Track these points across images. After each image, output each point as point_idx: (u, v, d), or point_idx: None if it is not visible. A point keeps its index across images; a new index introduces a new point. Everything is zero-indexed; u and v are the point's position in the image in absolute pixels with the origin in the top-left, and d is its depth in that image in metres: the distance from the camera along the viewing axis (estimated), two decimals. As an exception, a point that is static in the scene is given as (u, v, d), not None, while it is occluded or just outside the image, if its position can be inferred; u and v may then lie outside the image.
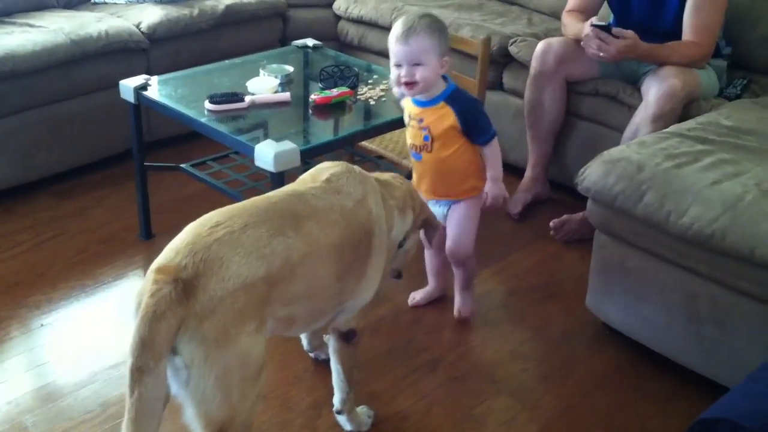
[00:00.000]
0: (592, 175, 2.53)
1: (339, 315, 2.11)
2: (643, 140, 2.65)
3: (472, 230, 2.61)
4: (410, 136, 2.55)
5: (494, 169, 2.51)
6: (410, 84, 2.39)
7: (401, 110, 2.62)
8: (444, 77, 2.46)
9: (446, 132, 2.45)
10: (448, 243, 2.61)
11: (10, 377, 2.46)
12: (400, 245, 2.24)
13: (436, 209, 2.56)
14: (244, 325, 1.72)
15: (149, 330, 1.61)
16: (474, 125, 2.46)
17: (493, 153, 2.50)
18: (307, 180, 2.05)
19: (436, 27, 2.39)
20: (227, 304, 1.69)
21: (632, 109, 3.11)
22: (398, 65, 2.40)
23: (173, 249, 1.73)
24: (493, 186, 2.52)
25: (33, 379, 2.46)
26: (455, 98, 2.44)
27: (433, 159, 2.50)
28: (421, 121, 2.47)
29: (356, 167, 2.11)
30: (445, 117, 2.44)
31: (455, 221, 2.59)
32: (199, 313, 1.66)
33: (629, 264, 2.52)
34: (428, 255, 2.76)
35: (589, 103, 3.33)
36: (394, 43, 2.39)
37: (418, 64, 2.37)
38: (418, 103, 2.48)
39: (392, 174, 2.32)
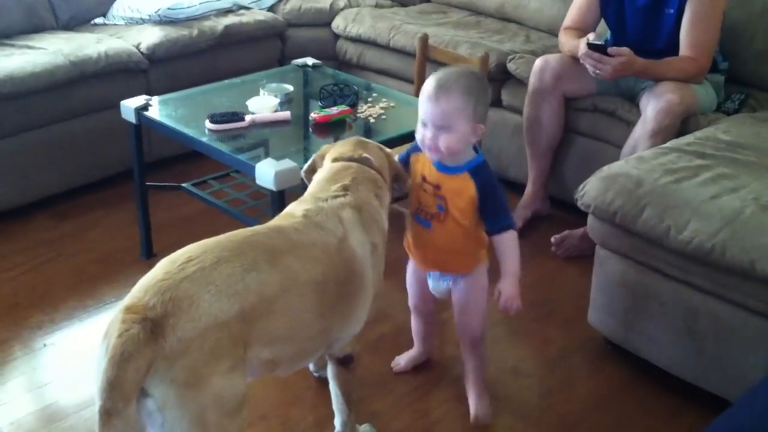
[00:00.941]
0: (591, 190, 2.54)
1: (333, 344, 2.07)
2: (641, 156, 2.66)
3: (482, 300, 2.32)
4: (421, 200, 2.23)
5: (510, 263, 2.18)
6: (434, 149, 2.11)
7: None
8: (475, 147, 2.19)
9: (464, 206, 2.16)
10: (457, 316, 2.36)
11: (13, 398, 2.46)
12: None
13: (440, 284, 2.34)
14: (216, 365, 1.66)
15: (117, 371, 1.56)
16: (492, 206, 2.16)
17: (508, 244, 2.18)
18: (289, 214, 2.00)
19: (475, 88, 2.09)
20: (197, 344, 1.63)
21: (631, 124, 3.13)
22: (424, 124, 2.11)
23: (142, 287, 1.68)
24: (507, 284, 2.18)
25: (35, 399, 2.46)
26: (479, 171, 2.15)
27: (445, 232, 2.21)
28: (437, 187, 2.18)
29: (325, 198, 2.02)
30: (466, 190, 2.14)
31: (462, 293, 2.32)
32: (169, 355, 1.61)
33: (630, 279, 2.52)
34: (414, 319, 2.55)
35: (588, 119, 3.35)
36: (424, 99, 2.09)
37: (445, 128, 2.07)
38: (439, 167, 2.17)
39: (346, 148, 2.17)
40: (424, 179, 2.20)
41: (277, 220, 2.00)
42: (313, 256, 1.88)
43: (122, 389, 1.56)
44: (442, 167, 2.16)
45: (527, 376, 2.61)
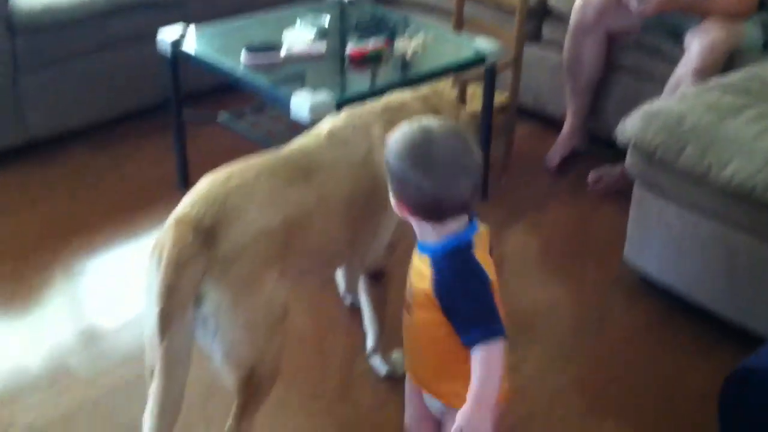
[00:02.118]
0: (632, 126, 2.50)
1: (364, 258, 2.12)
2: (684, 93, 2.61)
3: None
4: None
5: (477, 384, 1.50)
6: None
7: None
8: (470, 222, 1.58)
9: (423, 297, 1.57)
10: None
11: (54, 320, 2.51)
12: None
13: (433, 402, 1.71)
14: (267, 271, 1.73)
15: (175, 277, 1.63)
16: (452, 307, 1.53)
17: (474, 364, 1.50)
18: (311, 136, 2.04)
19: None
20: (250, 250, 1.70)
21: (674, 62, 3.06)
22: None
23: (189, 202, 1.76)
24: (468, 412, 1.49)
25: (75, 321, 2.51)
26: (442, 259, 1.54)
27: (411, 326, 1.66)
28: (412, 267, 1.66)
29: (360, 114, 2.07)
30: (424, 278, 1.56)
31: None
32: (223, 260, 1.67)
33: (668, 217, 2.49)
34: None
35: (631, 56, 3.28)
36: None
37: None
38: (419, 246, 1.62)
39: (419, 92, 2.21)
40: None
41: (302, 141, 2.03)
42: (340, 173, 1.93)
43: (179, 293, 1.63)
44: (419, 245, 1.62)
45: (562, 311, 2.61)
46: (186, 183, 3.19)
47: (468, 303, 1.51)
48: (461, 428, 1.49)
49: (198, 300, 1.68)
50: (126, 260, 2.81)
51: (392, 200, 1.55)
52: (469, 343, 1.50)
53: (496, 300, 1.52)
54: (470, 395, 1.49)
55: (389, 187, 1.55)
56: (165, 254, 1.65)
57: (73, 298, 2.63)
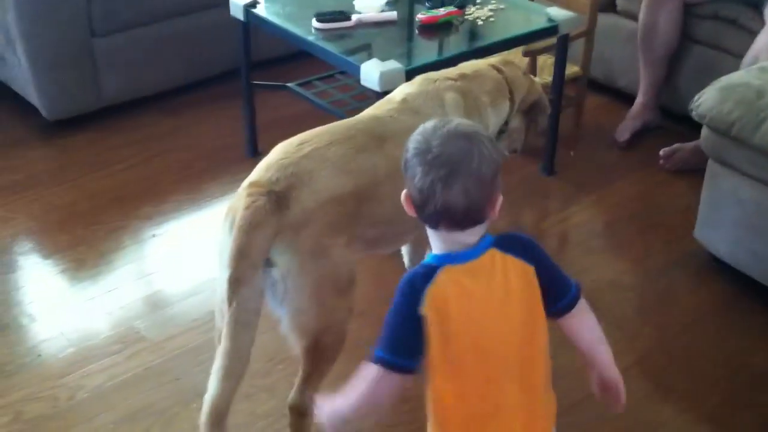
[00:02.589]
0: (708, 101, 2.43)
1: None
2: (764, 66, 2.53)
3: None
4: None
5: None
6: None
7: None
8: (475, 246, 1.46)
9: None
10: None
11: (123, 284, 2.57)
12: (502, 131, 2.22)
13: None
14: (336, 237, 1.75)
15: (246, 240, 1.65)
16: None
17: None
18: (384, 103, 2.04)
19: None
20: (320, 215, 1.72)
21: (753, 34, 2.96)
22: None
23: (264, 166, 1.78)
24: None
25: (144, 286, 2.57)
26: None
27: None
28: None
29: (435, 79, 2.08)
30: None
31: None
32: (294, 224, 1.69)
33: (743, 195, 2.43)
34: None
35: (707, 26, 3.19)
36: None
37: None
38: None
39: (492, 60, 2.28)
40: None
41: (374, 109, 2.04)
42: None
43: (250, 256, 1.66)
44: None
45: (626, 289, 2.57)
46: (255, 150, 3.22)
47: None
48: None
49: (268, 264, 1.70)
50: (194, 226, 2.86)
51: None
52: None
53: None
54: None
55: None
56: (238, 217, 1.68)
57: (143, 262, 2.69)
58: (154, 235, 2.79)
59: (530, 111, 2.29)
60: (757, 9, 3.04)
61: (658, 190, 3.06)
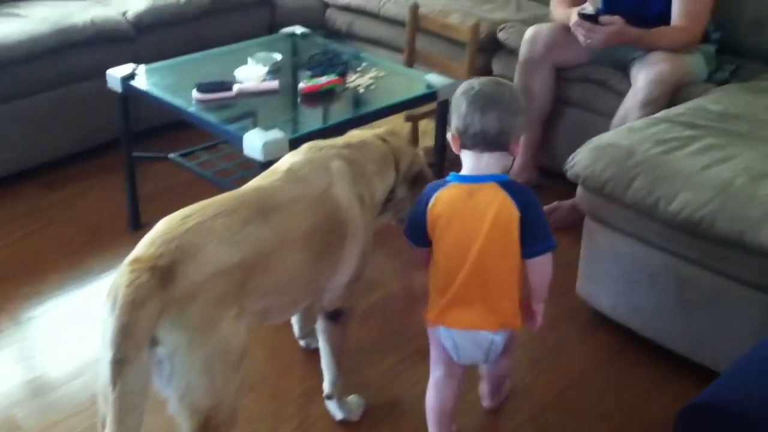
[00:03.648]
0: (581, 161, 2.52)
1: (323, 296, 2.11)
2: (632, 126, 2.65)
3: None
4: None
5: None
6: None
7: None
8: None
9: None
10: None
11: (1, 370, 2.45)
12: (388, 200, 2.24)
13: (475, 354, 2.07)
14: (225, 310, 1.71)
15: (130, 318, 1.59)
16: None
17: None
18: (269, 174, 2.04)
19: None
20: (207, 288, 1.68)
21: (622, 95, 3.11)
22: None
23: (147, 242, 1.73)
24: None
25: (23, 371, 2.45)
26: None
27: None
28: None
29: (321, 148, 2.09)
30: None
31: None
32: (181, 299, 1.65)
33: (619, 250, 2.52)
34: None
35: (579, 89, 3.33)
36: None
37: None
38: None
39: (377, 131, 2.29)
40: None
41: (260, 180, 2.03)
42: (298, 211, 1.92)
43: (134, 336, 1.60)
44: None
45: (518, 345, 2.60)
46: (137, 223, 3.15)
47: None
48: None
49: (153, 342, 1.65)
50: (76, 305, 2.76)
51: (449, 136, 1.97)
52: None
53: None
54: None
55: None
56: (120, 295, 1.62)
57: (21, 345, 2.57)
58: (31, 317, 2.68)
59: (414, 181, 2.32)
60: (624, 71, 3.20)
61: (541, 246, 3.13)
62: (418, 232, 1.98)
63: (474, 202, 1.90)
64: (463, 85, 1.92)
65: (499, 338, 2.01)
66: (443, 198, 1.93)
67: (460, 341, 2.00)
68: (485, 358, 2.05)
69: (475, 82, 1.91)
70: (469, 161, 1.93)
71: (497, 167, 1.92)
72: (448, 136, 1.97)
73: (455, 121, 1.91)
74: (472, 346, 2.01)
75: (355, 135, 2.25)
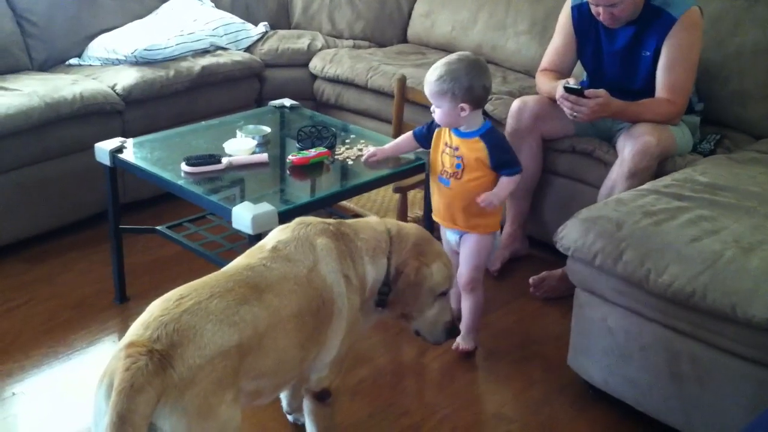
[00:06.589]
0: (571, 233, 2.52)
1: (310, 375, 2.08)
2: (620, 197, 2.66)
3: (480, 258, 2.77)
4: (444, 162, 2.72)
5: (500, 189, 2.66)
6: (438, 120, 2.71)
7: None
8: (485, 113, 2.78)
9: (476, 162, 2.65)
10: (459, 268, 2.77)
11: (-20, 450, 2.39)
12: (382, 294, 2.17)
13: (450, 235, 2.80)
14: (223, 394, 1.69)
15: (128, 405, 1.56)
16: (501, 160, 2.66)
17: (507, 181, 2.66)
18: (256, 251, 2.02)
19: (453, 75, 2.57)
20: (206, 372, 1.66)
21: (608, 165, 3.13)
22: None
23: (141, 325, 1.71)
24: (491, 195, 2.65)
25: (4, 452, 2.39)
26: (487, 135, 2.66)
27: (460, 187, 2.68)
28: (456, 149, 2.68)
29: (308, 224, 2.07)
30: (478, 150, 2.65)
31: (466, 249, 2.76)
32: (179, 384, 1.62)
33: (610, 322, 2.50)
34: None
35: (566, 160, 3.35)
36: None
37: (437, 105, 2.64)
38: (457, 133, 2.69)
39: (378, 220, 2.25)
40: (446, 144, 2.72)
41: (247, 258, 2.00)
42: (287, 290, 1.91)
43: (133, 423, 1.56)
44: (458, 133, 2.68)
45: (509, 421, 2.57)
46: (123, 296, 3.12)
47: (508, 152, 2.69)
48: (486, 199, 2.64)
49: (151, 429, 1.61)
50: (60, 382, 2.70)
51: (455, 105, 2.58)
52: (507, 173, 2.65)
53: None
54: (495, 191, 2.66)
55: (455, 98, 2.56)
56: (117, 380, 1.59)
57: (3, 425, 2.50)
58: (14, 393, 2.62)
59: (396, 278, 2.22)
60: (610, 142, 3.23)
61: (532, 318, 3.11)
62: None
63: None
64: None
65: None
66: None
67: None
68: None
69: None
70: (478, 116, 2.67)
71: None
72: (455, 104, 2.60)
73: (462, 87, 2.58)
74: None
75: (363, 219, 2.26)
